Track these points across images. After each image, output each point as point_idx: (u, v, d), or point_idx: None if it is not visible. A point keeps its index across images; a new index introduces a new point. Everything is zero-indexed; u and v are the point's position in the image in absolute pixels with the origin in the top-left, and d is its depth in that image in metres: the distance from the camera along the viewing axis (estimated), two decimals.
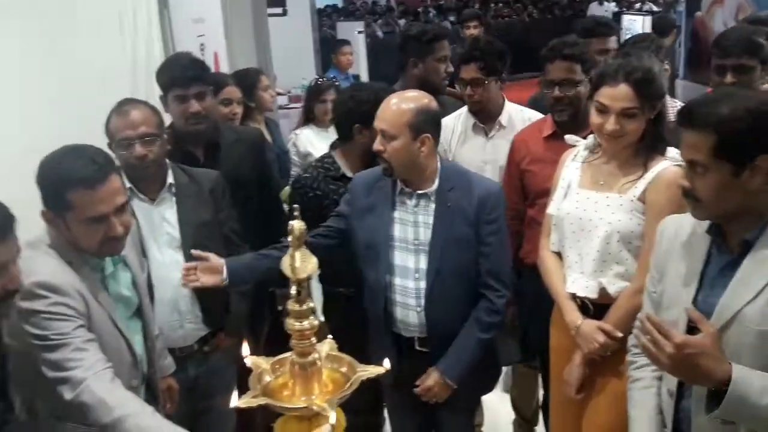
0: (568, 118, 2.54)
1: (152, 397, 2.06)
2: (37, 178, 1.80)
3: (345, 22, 12.55)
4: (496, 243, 2.23)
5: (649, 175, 2.07)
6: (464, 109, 2.97)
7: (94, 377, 1.68)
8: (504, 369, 3.05)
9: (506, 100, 2.96)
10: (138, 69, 3.15)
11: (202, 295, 2.35)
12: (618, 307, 2.08)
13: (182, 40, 3.55)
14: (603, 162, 2.17)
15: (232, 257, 2.30)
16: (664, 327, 1.46)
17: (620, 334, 2.06)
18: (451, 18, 15.66)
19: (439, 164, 2.26)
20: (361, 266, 2.36)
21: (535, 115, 2.93)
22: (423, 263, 2.23)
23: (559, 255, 2.26)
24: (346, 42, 6.64)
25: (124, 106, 2.28)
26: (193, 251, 2.23)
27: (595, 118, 2.08)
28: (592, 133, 2.30)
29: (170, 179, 2.38)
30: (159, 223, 2.36)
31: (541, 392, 3.02)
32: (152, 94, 2.81)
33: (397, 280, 2.27)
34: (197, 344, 2.43)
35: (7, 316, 1.65)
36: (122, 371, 1.82)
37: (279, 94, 6.48)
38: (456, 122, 2.95)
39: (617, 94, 2.03)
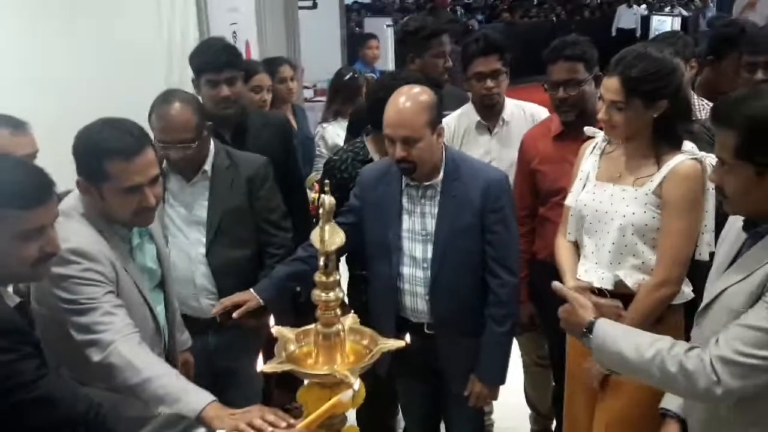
0: (575, 119, 2.55)
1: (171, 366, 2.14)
2: (74, 148, 1.86)
3: (372, 18, 12.59)
4: (502, 231, 2.26)
5: (665, 170, 2.06)
6: (464, 108, 2.95)
7: (123, 340, 1.74)
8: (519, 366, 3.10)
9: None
10: (173, 53, 3.23)
11: (218, 273, 2.43)
12: (638, 301, 2.08)
13: (217, 27, 3.62)
14: (620, 154, 2.18)
15: (258, 284, 2.35)
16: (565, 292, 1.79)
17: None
18: (479, 17, 15.68)
19: (444, 153, 2.28)
20: (370, 256, 2.41)
21: (536, 109, 2.93)
22: (430, 252, 2.27)
23: (576, 245, 2.29)
24: (373, 36, 6.69)
25: (166, 104, 2.28)
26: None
27: (599, 105, 2.11)
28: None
29: (207, 166, 2.42)
30: (189, 203, 2.43)
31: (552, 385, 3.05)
32: (186, 77, 2.89)
33: (407, 270, 2.32)
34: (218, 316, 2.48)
35: (43, 279, 1.72)
36: (146, 339, 1.88)
37: (305, 87, 6.54)
38: (457, 122, 2.93)
39: (608, 85, 2.04)
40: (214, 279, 2.44)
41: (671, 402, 1.79)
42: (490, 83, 2.81)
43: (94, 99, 2.46)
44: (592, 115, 2.51)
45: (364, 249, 2.42)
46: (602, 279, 2.15)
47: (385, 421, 3.05)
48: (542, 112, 2.93)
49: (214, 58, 2.67)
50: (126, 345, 1.74)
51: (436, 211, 2.26)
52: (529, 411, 3.27)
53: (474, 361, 2.33)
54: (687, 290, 2.10)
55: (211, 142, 2.47)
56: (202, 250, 2.43)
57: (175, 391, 1.65)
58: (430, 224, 2.28)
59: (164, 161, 2.38)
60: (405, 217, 2.31)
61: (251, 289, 2.32)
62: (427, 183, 2.26)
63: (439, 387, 2.48)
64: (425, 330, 2.34)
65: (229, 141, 2.75)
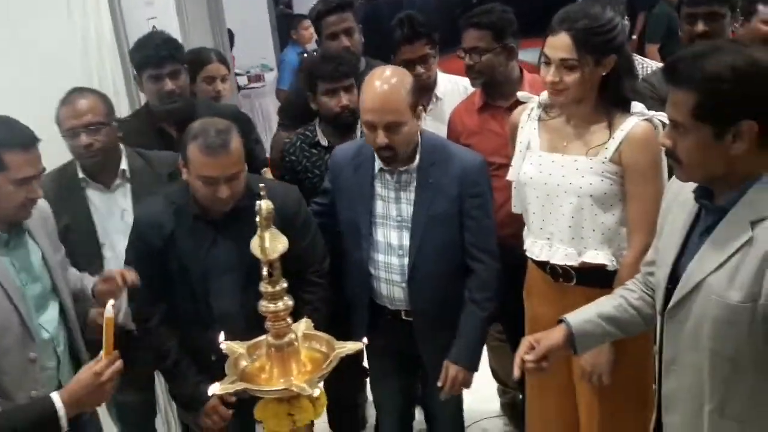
0: (483, 86, 2.55)
1: None
2: None
3: None
4: (480, 216, 2.20)
5: (619, 135, 1.97)
6: None
7: None
8: None
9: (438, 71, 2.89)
10: (89, 52, 3.08)
11: None
12: (621, 280, 1.95)
13: (133, 23, 3.44)
14: (562, 122, 2.10)
15: None
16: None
17: None
18: None
19: (419, 137, 2.21)
20: (342, 242, 2.33)
21: (469, 83, 2.85)
22: (406, 240, 2.21)
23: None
24: (304, 16, 6.51)
25: (71, 95, 2.31)
26: None
27: (543, 70, 2.02)
28: (517, 102, 2.29)
29: (123, 165, 2.38)
30: (116, 211, 2.38)
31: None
32: (104, 76, 2.82)
33: (381, 257, 2.25)
34: None
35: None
36: (9, 343, 1.83)
37: (237, 74, 6.36)
38: None
39: (556, 44, 1.96)
40: None
41: (571, 315, 1.77)
42: (419, 69, 2.74)
43: (9, 104, 2.31)
44: (502, 83, 2.53)
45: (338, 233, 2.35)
46: (566, 256, 2.07)
47: (352, 403, 3.00)
48: None
49: (154, 52, 2.61)
50: None
51: (413, 197, 2.20)
52: (495, 385, 3.27)
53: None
54: None
55: (122, 147, 2.42)
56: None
57: None
58: (406, 210, 2.21)
59: (80, 172, 2.35)
60: (379, 203, 2.24)
61: None
62: (402, 168, 2.19)
63: (415, 372, 2.44)
64: (402, 317, 2.28)
65: (174, 136, 2.66)
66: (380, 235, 2.24)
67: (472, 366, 2.29)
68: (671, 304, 1.54)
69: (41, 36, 2.81)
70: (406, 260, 2.21)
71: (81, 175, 2.36)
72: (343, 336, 1.53)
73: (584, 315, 1.77)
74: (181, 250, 2.14)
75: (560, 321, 1.78)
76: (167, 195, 2.21)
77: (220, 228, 2.15)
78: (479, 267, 2.22)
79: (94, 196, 2.38)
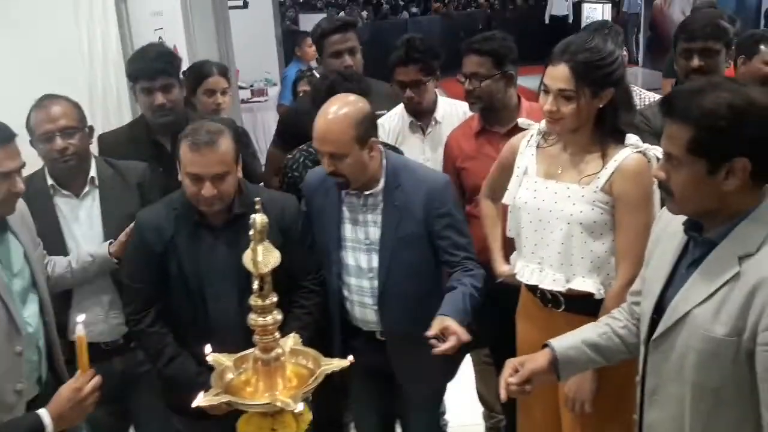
0: (481, 111, 2.59)
1: (54, 373, 2.06)
2: None
3: (307, 14, 12.46)
4: (451, 234, 2.21)
5: (612, 165, 2.00)
6: (398, 109, 2.93)
7: None
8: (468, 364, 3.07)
9: (438, 95, 2.92)
10: (95, 61, 3.12)
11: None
12: (607, 309, 1.95)
13: (140, 32, 3.49)
14: (559, 150, 2.13)
15: None
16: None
17: None
18: (414, 9, 15.70)
19: (384, 160, 2.22)
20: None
21: (468, 107, 2.86)
22: (375, 262, 2.21)
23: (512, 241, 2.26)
24: (309, 33, 6.56)
25: (43, 101, 2.33)
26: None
27: (541, 98, 2.06)
28: (516, 127, 2.33)
29: (92, 172, 2.40)
30: (84, 219, 2.39)
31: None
32: (109, 87, 2.80)
33: (353, 280, 2.26)
34: (123, 339, 2.42)
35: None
36: None
37: (241, 87, 6.40)
38: (391, 123, 2.90)
39: (555, 74, 1.98)
40: (120, 295, 2.34)
41: (556, 340, 1.78)
42: (409, 93, 2.79)
43: (14, 109, 2.35)
44: (500, 109, 2.56)
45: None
46: (554, 281, 2.08)
47: (336, 422, 2.97)
48: None
49: (147, 65, 2.62)
50: None
51: (380, 220, 2.21)
52: (481, 409, 3.24)
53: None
54: None
55: (92, 155, 2.44)
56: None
57: None
58: (374, 233, 2.22)
59: (48, 179, 2.35)
60: (348, 226, 2.25)
61: None
62: (367, 192, 2.20)
63: (395, 392, 2.42)
64: (378, 337, 2.28)
65: (169, 149, 2.67)
66: (351, 258, 2.25)
67: (462, 319, 2.00)
68: (656, 334, 1.55)
69: (48, 45, 2.84)
70: (376, 282, 2.22)
71: (50, 182, 2.36)
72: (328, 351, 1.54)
73: (569, 341, 1.79)
74: (180, 255, 2.16)
75: (545, 345, 1.79)
76: (170, 200, 2.23)
77: (219, 234, 2.17)
78: (470, 264, 2.20)
79: (63, 203, 2.38)
